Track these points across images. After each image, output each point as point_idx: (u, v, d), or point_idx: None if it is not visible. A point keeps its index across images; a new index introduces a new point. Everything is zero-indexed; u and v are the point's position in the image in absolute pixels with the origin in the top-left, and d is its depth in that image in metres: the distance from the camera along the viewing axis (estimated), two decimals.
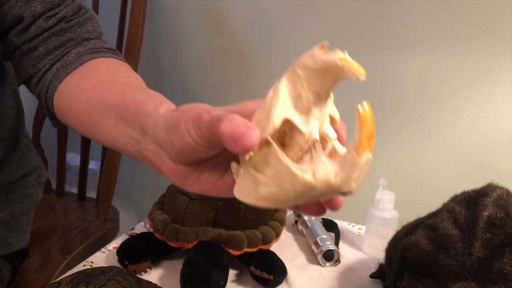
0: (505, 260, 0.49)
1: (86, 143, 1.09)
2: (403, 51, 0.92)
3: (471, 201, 0.56)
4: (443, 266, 0.50)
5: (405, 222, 0.65)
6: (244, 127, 0.32)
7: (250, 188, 0.35)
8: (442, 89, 0.91)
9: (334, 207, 0.35)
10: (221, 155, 0.35)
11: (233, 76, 1.09)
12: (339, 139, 0.37)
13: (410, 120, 0.94)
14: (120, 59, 0.57)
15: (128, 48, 0.99)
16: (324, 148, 0.36)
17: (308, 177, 0.33)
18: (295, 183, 0.33)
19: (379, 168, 0.96)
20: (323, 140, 0.36)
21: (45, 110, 0.57)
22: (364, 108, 0.32)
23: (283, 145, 0.36)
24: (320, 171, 0.33)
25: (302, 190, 0.33)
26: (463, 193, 0.59)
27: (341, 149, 0.36)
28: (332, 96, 0.36)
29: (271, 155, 0.34)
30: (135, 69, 1.01)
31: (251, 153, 0.34)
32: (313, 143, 0.34)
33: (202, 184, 0.38)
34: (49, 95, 0.55)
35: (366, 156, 0.33)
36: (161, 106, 0.41)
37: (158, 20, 1.11)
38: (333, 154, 0.36)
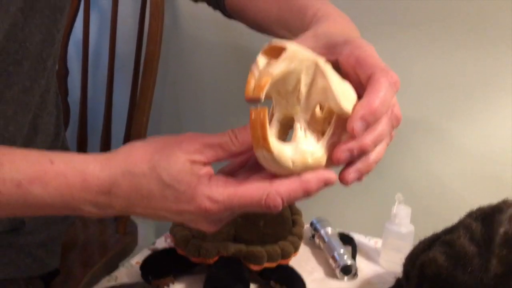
0: None
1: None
2: (420, 61, 0.93)
3: (487, 217, 0.57)
4: (461, 282, 0.52)
5: (421, 236, 0.66)
6: None
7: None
8: (457, 103, 0.92)
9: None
10: None
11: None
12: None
13: (426, 134, 0.95)
14: None
15: (146, 64, 1.02)
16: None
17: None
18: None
19: (395, 182, 0.97)
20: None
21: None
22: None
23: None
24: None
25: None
26: (479, 209, 0.60)
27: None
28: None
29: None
30: (153, 85, 1.03)
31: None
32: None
33: None
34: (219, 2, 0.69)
35: (263, 153, 0.39)
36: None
37: (174, 38, 1.13)
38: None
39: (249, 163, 0.45)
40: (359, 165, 0.41)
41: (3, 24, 0.54)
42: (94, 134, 1.14)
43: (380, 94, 0.39)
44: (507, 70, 0.88)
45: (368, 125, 0.39)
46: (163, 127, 1.23)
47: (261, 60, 0.40)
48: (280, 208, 0.40)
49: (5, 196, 0.42)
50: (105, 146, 1.11)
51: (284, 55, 0.40)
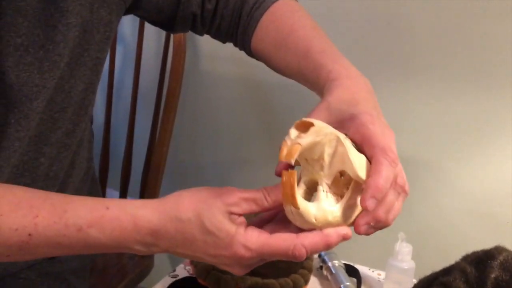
0: None
1: (125, 179, 1.18)
2: (423, 105, 1.00)
3: (480, 262, 0.63)
4: None
5: (422, 271, 0.72)
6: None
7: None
8: (459, 145, 1.00)
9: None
10: None
11: (263, 127, 1.18)
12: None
13: (428, 175, 1.02)
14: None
15: (167, 100, 1.09)
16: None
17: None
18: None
19: (399, 219, 1.03)
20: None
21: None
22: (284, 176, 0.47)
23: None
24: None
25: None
26: (474, 253, 0.66)
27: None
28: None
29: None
30: (173, 119, 1.11)
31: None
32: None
33: None
34: (246, 45, 0.71)
35: (291, 209, 0.47)
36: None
37: (194, 75, 1.21)
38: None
39: (277, 218, 0.52)
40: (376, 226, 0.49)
41: (53, 79, 0.61)
42: (116, 161, 1.21)
43: (383, 174, 0.46)
44: (505, 115, 0.95)
45: (378, 200, 0.46)
46: (181, 157, 1.30)
47: (293, 132, 0.48)
48: (304, 258, 0.48)
49: (68, 239, 0.49)
50: (126, 172, 1.18)
51: (312, 129, 0.48)
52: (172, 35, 1.09)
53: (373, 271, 0.91)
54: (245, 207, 0.49)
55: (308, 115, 0.53)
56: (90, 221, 0.49)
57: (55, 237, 0.49)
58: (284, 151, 0.47)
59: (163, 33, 1.13)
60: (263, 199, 0.49)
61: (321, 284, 0.86)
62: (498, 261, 0.62)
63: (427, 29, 0.97)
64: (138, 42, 1.13)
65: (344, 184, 0.50)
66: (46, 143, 0.65)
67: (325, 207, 0.48)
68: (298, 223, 0.48)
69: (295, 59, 0.63)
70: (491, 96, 0.95)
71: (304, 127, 0.48)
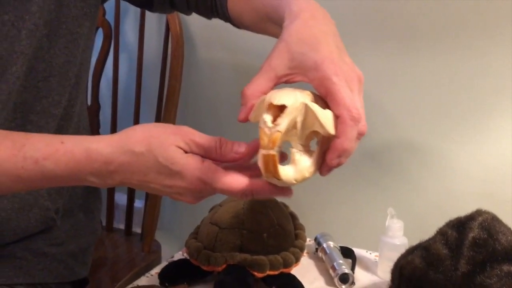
0: (486, 274, 0.57)
1: None
2: (416, 85, 1.01)
3: (460, 224, 0.64)
4: (432, 281, 0.58)
5: None
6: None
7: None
8: (450, 126, 0.99)
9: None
10: None
11: None
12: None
13: (419, 153, 1.02)
14: None
15: (168, 98, 1.13)
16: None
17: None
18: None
19: (389, 198, 1.04)
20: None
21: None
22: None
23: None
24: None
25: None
26: (456, 218, 0.67)
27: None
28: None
29: None
30: (174, 116, 1.14)
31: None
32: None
33: None
34: (225, 10, 0.73)
35: (272, 180, 0.51)
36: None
37: (194, 73, 1.25)
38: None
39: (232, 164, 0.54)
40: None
41: (31, 46, 0.65)
42: None
43: (348, 135, 0.49)
44: (501, 94, 0.95)
45: (342, 157, 0.51)
46: None
47: (267, 118, 0.50)
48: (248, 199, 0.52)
49: (26, 171, 0.53)
50: None
51: (286, 112, 0.50)
52: (170, 38, 1.13)
53: (370, 253, 0.91)
54: (195, 151, 0.52)
55: (269, 59, 0.54)
56: (45, 154, 0.52)
57: (14, 170, 0.52)
58: (265, 140, 0.50)
59: (162, 36, 1.18)
60: (213, 151, 0.52)
61: (316, 265, 0.87)
62: (477, 222, 0.62)
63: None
64: (139, 46, 1.18)
65: (310, 136, 0.53)
66: (32, 111, 0.68)
67: (301, 167, 0.52)
68: (279, 185, 0.52)
69: (261, 2, 0.65)
70: (486, 75, 0.95)
71: (276, 107, 0.50)
